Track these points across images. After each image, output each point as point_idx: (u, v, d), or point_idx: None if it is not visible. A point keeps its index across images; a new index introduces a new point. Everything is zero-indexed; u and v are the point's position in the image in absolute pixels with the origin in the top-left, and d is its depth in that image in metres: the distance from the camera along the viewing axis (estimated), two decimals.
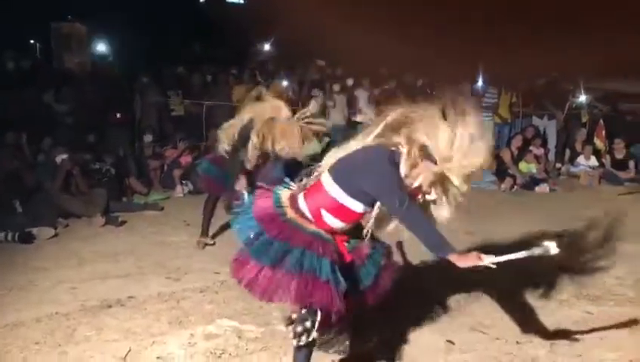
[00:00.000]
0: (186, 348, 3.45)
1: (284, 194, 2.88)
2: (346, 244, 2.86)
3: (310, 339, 2.66)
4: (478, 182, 8.89)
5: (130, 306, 4.11)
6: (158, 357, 3.36)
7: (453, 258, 2.62)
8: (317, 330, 2.66)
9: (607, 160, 9.79)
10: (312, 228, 2.74)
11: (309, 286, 2.59)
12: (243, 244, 2.75)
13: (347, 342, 3.29)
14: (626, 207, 7.77)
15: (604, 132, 10.14)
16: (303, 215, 2.77)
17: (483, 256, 2.62)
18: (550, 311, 4.18)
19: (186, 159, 8.48)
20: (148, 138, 8.78)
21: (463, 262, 2.61)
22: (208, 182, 5.37)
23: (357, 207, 2.70)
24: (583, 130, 10.39)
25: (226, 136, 4.97)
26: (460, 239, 5.59)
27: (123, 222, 6.40)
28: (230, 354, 3.39)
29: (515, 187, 8.85)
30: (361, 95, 10.25)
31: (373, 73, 10.63)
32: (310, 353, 2.76)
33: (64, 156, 6.77)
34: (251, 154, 4.61)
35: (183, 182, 8.20)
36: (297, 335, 2.67)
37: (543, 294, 4.51)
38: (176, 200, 7.80)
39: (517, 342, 3.65)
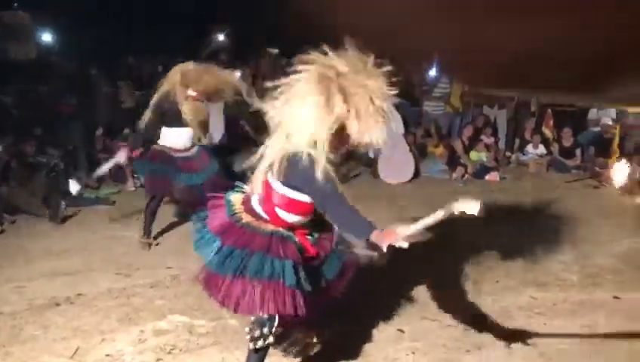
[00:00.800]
0: (135, 345, 3.42)
1: (236, 198, 2.88)
2: (308, 238, 2.85)
3: (266, 344, 2.66)
4: (430, 171, 9.05)
5: (79, 304, 4.04)
6: (107, 355, 3.33)
7: (374, 237, 2.48)
8: (274, 334, 2.66)
9: (555, 148, 10.06)
10: (270, 227, 2.73)
11: (270, 293, 2.59)
12: (205, 261, 2.75)
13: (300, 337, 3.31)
14: (573, 193, 8.02)
15: (552, 121, 10.41)
16: (258, 216, 2.76)
17: (399, 230, 2.46)
18: (498, 298, 4.30)
19: (137, 152, 8.31)
20: (98, 131, 8.57)
21: (381, 240, 2.47)
22: (153, 181, 5.22)
23: (305, 198, 2.66)
24: (533, 119, 10.63)
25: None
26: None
27: (67, 217, 6.25)
28: (181, 350, 3.37)
29: (466, 176, 9.01)
30: None
31: None
32: (265, 355, 2.76)
33: None
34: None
35: (135, 175, 8.05)
36: (254, 339, 2.66)
37: (491, 281, 4.62)
38: (128, 194, 7.66)
39: (465, 329, 3.74)
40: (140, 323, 3.68)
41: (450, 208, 2.51)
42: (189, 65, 4.94)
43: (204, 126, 5.18)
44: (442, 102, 10.33)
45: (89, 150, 8.31)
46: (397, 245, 2.45)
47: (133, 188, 7.88)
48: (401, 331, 3.69)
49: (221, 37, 12.16)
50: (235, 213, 2.80)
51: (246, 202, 2.82)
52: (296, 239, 2.78)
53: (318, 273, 2.85)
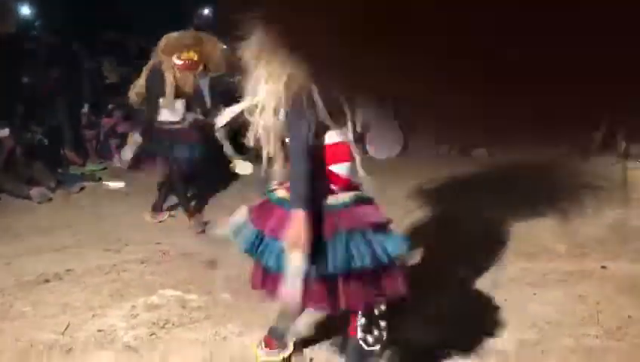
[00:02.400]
0: (128, 320, 3.40)
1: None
2: None
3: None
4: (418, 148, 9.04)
5: (69, 280, 4.00)
6: (99, 330, 3.30)
7: (295, 215, 2.19)
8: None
9: None
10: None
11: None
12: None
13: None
14: (559, 167, 8.06)
15: None
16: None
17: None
18: (488, 269, 4.32)
19: (123, 128, 8.23)
20: (84, 108, 8.44)
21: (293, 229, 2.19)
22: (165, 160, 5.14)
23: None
24: None
25: (136, 95, 4.92)
26: (402, 203, 5.73)
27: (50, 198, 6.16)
28: (173, 324, 3.36)
29: (452, 152, 9.03)
30: None
31: None
32: None
33: (5, 132, 6.42)
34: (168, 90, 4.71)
35: (121, 151, 7.97)
36: (375, 342, 2.47)
37: (480, 253, 4.65)
38: (114, 170, 7.59)
39: (456, 300, 3.75)
40: (131, 299, 3.66)
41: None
42: (174, 34, 4.82)
43: (190, 97, 5.05)
44: None
45: (74, 126, 8.19)
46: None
47: (119, 165, 7.80)
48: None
49: (206, 11, 11.96)
50: (272, 191, 2.47)
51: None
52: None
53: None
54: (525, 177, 7.20)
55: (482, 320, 3.49)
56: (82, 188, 6.54)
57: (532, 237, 5.06)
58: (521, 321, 3.45)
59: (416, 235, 4.84)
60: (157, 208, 5.27)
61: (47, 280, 4.01)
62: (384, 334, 2.47)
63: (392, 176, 7.15)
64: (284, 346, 2.81)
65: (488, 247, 4.78)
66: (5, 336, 3.26)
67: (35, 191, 6.04)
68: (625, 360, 3.03)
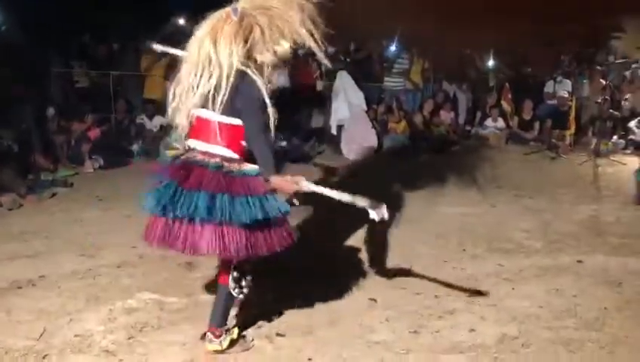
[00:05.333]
0: (105, 324, 3.32)
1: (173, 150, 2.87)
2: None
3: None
4: (393, 147, 9.08)
5: (43, 286, 3.90)
6: (76, 335, 3.21)
7: (274, 180, 2.65)
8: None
9: (514, 121, 10.24)
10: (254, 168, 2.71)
11: (263, 235, 2.69)
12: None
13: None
14: (531, 165, 8.19)
15: (510, 95, 10.58)
16: (234, 160, 2.72)
17: (301, 181, 2.68)
18: (465, 266, 4.36)
19: (94, 133, 8.10)
20: (51, 112, 8.28)
21: (280, 186, 2.66)
22: None
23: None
24: (494, 93, 10.76)
25: None
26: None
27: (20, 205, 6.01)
28: (152, 327, 3.29)
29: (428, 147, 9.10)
30: None
31: None
32: None
33: None
34: None
35: (93, 157, 7.83)
36: (241, 290, 2.92)
37: (457, 250, 4.69)
38: (86, 176, 7.45)
39: (435, 296, 3.77)
40: (108, 303, 3.57)
41: (356, 201, 2.69)
42: None
43: None
44: (402, 78, 10.37)
45: (43, 131, 8.02)
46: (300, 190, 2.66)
47: (92, 170, 7.68)
48: (373, 300, 3.70)
49: (181, 21, 11.74)
50: (177, 157, 2.79)
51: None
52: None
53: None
54: (498, 175, 7.31)
55: (462, 314, 3.51)
56: (54, 194, 6.40)
57: (507, 233, 5.12)
58: (501, 315, 3.48)
59: (389, 231, 4.87)
60: None
61: (19, 287, 3.90)
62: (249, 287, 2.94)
63: (367, 175, 7.18)
64: (227, 330, 3.03)
65: (463, 243, 4.82)
66: None
67: (5, 198, 5.90)
68: (604, 351, 3.07)
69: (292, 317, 3.42)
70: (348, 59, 10.52)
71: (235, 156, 2.72)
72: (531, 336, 3.22)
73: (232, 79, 2.63)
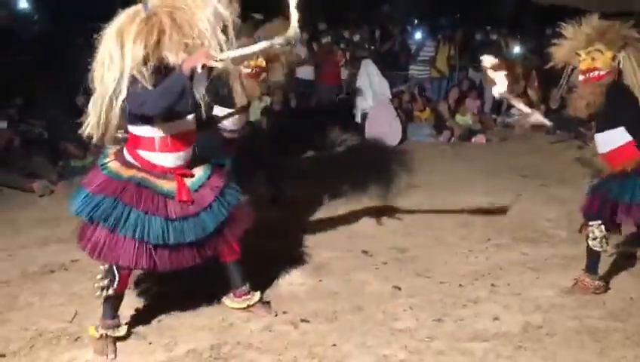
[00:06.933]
0: (135, 307, 3.40)
1: (110, 151, 2.99)
2: (190, 181, 2.96)
3: (110, 293, 2.90)
4: (416, 135, 9.03)
5: (75, 270, 4.02)
6: None
7: (185, 66, 2.63)
8: (118, 286, 2.90)
9: (541, 110, 10.09)
10: (129, 173, 2.85)
11: (107, 242, 2.79)
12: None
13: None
14: (558, 154, 8.09)
15: (536, 83, 10.41)
16: (126, 163, 2.89)
17: (213, 53, 2.64)
18: (490, 255, 4.36)
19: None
20: (80, 100, 8.40)
21: (194, 62, 2.61)
22: None
23: (145, 131, 2.85)
24: (523, 81, 10.61)
25: None
26: (405, 193, 5.77)
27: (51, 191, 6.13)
28: (181, 311, 3.36)
29: (453, 139, 9.04)
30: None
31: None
32: (117, 303, 3.00)
33: (3, 125, 6.41)
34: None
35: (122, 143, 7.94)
36: (100, 289, 2.90)
37: (482, 239, 4.68)
38: None
39: (460, 285, 3.79)
40: (139, 286, 3.65)
41: (275, 41, 2.65)
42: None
43: None
44: (428, 66, 10.30)
45: (73, 118, 8.13)
46: (211, 64, 2.64)
47: None
48: (397, 288, 3.73)
49: None
50: (104, 163, 2.93)
51: (118, 153, 2.96)
52: (164, 184, 2.88)
53: (194, 222, 2.92)
54: (524, 164, 7.25)
55: (486, 303, 3.52)
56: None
57: (532, 222, 5.09)
58: (525, 304, 3.49)
59: (413, 220, 4.89)
60: None
61: (52, 271, 4.02)
62: None
63: (392, 164, 7.18)
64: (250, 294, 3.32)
65: (489, 233, 4.81)
66: (12, 325, 3.28)
67: (37, 184, 6.04)
68: (629, 341, 3.06)
69: (317, 304, 3.48)
70: (372, 47, 10.50)
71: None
72: (556, 325, 3.23)
73: (126, 84, 2.71)
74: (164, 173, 2.90)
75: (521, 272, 4.02)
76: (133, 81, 2.71)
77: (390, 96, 9.24)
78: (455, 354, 2.98)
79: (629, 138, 3.33)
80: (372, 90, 9.11)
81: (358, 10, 13.05)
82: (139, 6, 2.73)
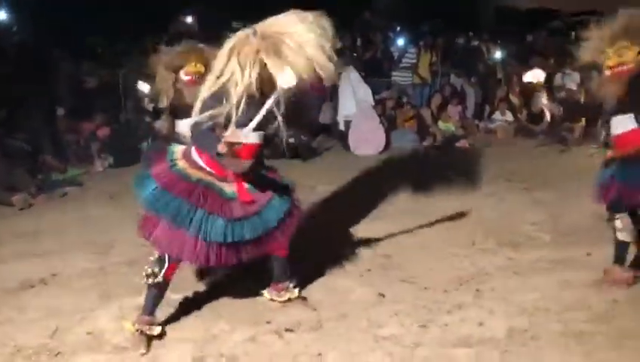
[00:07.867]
0: (117, 322, 3.35)
1: (178, 149, 3.20)
2: (246, 185, 3.10)
3: (156, 282, 3.04)
4: (399, 141, 9.04)
5: (54, 284, 3.97)
6: (88, 333, 3.26)
7: (221, 148, 2.84)
8: (164, 276, 3.04)
9: (522, 114, 10.17)
10: (199, 175, 3.03)
11: (171, 237, 2.97)
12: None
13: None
14: (540, 158, 8.15)
15: (518, 88, 10.49)
16: (195, 164, 3.06)
17: (243, 131, 2.91)
18: (474, 259, 4.35)
19: (103, 132, 8.15)
20: (60, 111, 8.34)
21: (229, 141, 2.85)
22: None
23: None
24: (504, 87, 10.69)
25: None
26: (389, 199, 5.76)
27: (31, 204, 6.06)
28: (163, 324, 3.32)
29: (436, 144, 9.07)
30: None
31: None
32: (160, 293, 3.12)
33: None
34: None
35: (102, 155, 7.89)
36: (146, 276, 3.06)
37: (466, 244, 4.68)
38: (96, 174, 7.51)
39: (445, 291, 3.77)
40: (119, 300, 3.60)
41: (277, 94, 2.92)
42: (175, 48, 4.51)
43: None
44: (410, 73, 10.35)
45: (52, 131, 8.08)
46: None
47: (101, 169, 7.74)
48: (382, 295, 3.71)
49: (189, 19, 11.72)
50: (173, 160, 3.10)
51: (186, 152, 3.13)
52: (226, 187, 3.04)
53: (255, 220, 3.09)
54: (507, 169, 7.28)
55: (471, 308, 3.51)
56: (65, 194, 6.47)
57: (517, 227, 5.09)
58: (510, 309, 3.48)
59: (398, 224, 4.88)
60: None
61: (32, 286, 3.96)
62: None
63: (377, 171, 7.19)
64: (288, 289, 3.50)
65: (473, 237, 4.81)
66: None
67: (16, 198, 5.96)
68: (614, 343, 3.06)
69: (301, 313, 3.45)
70: (355, 55, 10.52)
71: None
72: (541, 329, 3.22)
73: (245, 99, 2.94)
74: (224, 176, 3.06)
75: (506, 276, 4.01)
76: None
77: (373, 103, 9.25)
78: (440, 360, 2.96)
79: None
80: (355, 98, 9.11)
81: (339, 17, 13.08)
82: (247, 31, 2.99)
